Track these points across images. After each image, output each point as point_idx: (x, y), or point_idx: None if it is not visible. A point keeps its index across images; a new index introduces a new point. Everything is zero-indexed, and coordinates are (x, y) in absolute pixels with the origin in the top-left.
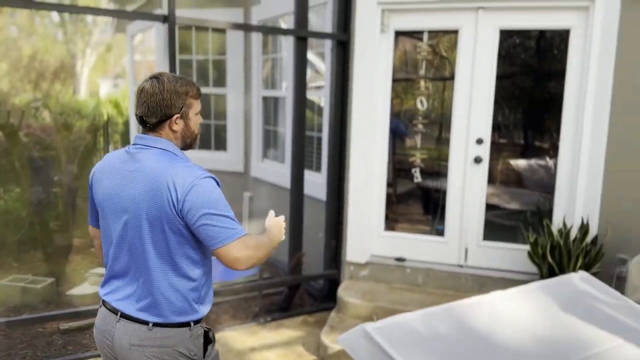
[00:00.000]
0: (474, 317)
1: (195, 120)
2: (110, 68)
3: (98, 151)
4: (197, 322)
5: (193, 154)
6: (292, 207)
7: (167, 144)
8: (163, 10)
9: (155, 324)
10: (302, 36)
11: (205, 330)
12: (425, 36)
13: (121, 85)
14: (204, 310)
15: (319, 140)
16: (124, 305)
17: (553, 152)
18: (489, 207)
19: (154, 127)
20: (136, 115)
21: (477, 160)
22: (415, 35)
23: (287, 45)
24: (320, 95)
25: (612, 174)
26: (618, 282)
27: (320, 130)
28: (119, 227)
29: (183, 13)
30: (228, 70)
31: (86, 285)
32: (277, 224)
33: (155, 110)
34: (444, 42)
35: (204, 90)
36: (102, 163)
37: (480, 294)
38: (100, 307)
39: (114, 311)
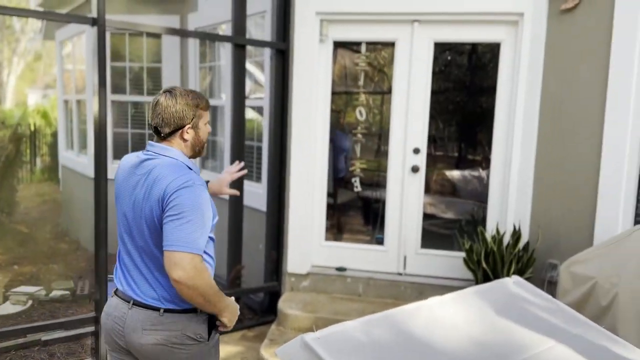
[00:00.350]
0: (413, 323)
1: (205, 130)
2: (39, 77)
3: (24, 163)
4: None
5: None
6: (231, 218)
7: (175, 152)
8: (93, 14)
9: (166, 310)
10: (240, 44)
11: (209, 316)
12: (364, 47)
13: (51, 95)
14: None
15: (259, 150)
16: (135, 294)
17: (486, 163)
18: (426, 216)
19: (167, 136)
20: (151, 125)
21: (415, 169)
22: (354, 47)
23: (225, 53)
24: (260, 104)
25: (541, 183)
26: (549, 286)
27: (260, 139)
28: (125, 225)
29: (115, 18)
30: (164, 78)
31: (8, 305)
32: (235, 310)
33: (169, 121)
34: (382, 54)
35: (137, 98)
36: (121, 163)
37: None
38: (112, 296)
39: (127, 299)
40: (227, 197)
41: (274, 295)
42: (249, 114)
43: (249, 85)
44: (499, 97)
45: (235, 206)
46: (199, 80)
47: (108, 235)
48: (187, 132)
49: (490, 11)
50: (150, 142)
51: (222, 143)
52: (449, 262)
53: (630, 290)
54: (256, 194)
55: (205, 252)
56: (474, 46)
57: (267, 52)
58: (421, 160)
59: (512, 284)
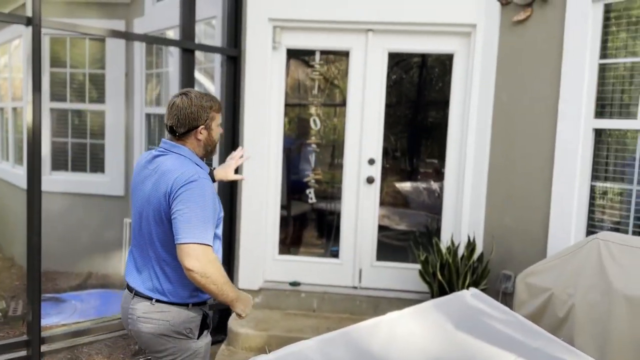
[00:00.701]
0: (371, 340)
1: (217, 131)
2: None
3: None
4: (196, 304)
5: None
6: None
7: (185, 150)
8: (28, 13)
9: (157, 300)
10: (188, 48)
11: (204, 314)
12: (318, 56)
13: None
14: (203, 295)
15: (208, 161)
16: (137, 284)
17: (440, 174)
18: (381, 228)
19: (182, 135)
20: (167, 125)
21: (370, 180)
22: (309, 55)
23: (173, 60)
24: None
25: (495, 194)
26: (504, 298)
27: None
28: (136, 219)
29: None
30: (107, 85)
31: None
32: (248, 300)
33: (184, 122)
34: (337, 64)
35: (78, 106)
36: (137, 160)
37: (375, 316)
38: (125, 289)
39: (131, 290)
40: None
41: (224, 313)
42: None
43: None
44: (452, 109)
45: None
46: (144, 87)
47: (42, 250)
48: (201, 133)
49: (443, 22)
50: (163, 139)
51: None
52: (404, 274)
53: (586, 301)
54: None
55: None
56: (429, 57)
57: (217, 59)
58: (376, 171)
59: (470, 296)
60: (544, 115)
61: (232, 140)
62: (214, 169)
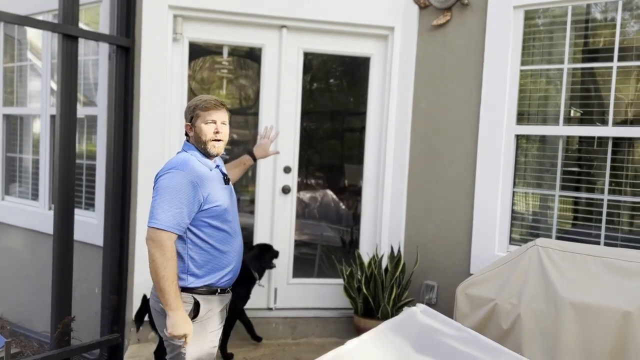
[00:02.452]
0: None
1: (204, 129)
2: None
3: None
4: (186, 289)
5: None
6: (57, 257)
7: (187, 145)
8: None
9: None
10: (71, 34)
11: (195, 302)
12: (226, 52)
13: None
14: (192, 280)
15: (91, 169)
16: None
17: (358, 183)
18: (297, 243)
19: (187, 135)
20: None
21: (285, 190)
22: (216, 51)
23: (47, 49)
24: (91, 112)
25: (415, 203)
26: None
27: (92, 157)
28: None
29: None
30: None
31: None
32: (180, 319)
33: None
34: (248, 62)
35: None
36: None
37: (293, 339)
38: None
39: None
40: (49, 231)
41: (115, 350)
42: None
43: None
44: (369, 114)
45: (62, 240)
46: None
47: None
48: (191, 130)
49: (359, 23)
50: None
51: (35, 162)
52: (322, 290)
53: (531, 310)
54: (89, 225)
55: (203, 239)
56: (347, 60)
57: (103, 50)
58: (292, 180)
59: (420, 313)
60: (465, 121)
61: (122, 146)
62: (251, 152)
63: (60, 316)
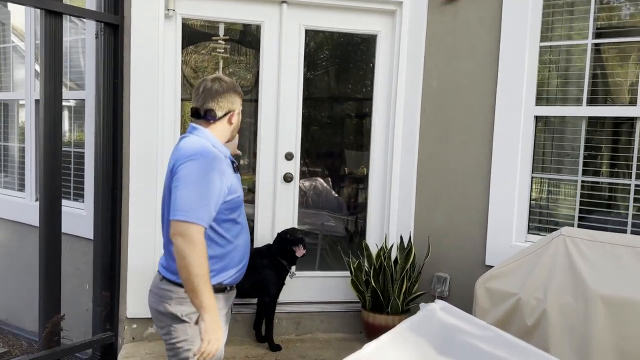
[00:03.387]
0: None
1: (239, 117)
2: None
3: None
4: None
5: None
6: (44, 251)
7: (204, 132)
8: None
9: (164, 277)
10: (55, 10)
11: None
12: (222, 30)
13: None
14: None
15: (79, 157)
16: (160, 262)
17: (365, 172)
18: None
19: (215, 120)
20: (198, 109)
21: (287, 178)
22: (212, 29)
23: (30, 29)
24: (78, 96)
25: (425, 190)
26: None
27: (79, 144)
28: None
29: None
30: None
31: None
32: (215, 320)
33: (223, 106)
34: (247, 39)
35: None
36: None
37: (297, 335)
38: None
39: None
40: (36, 223)
41: (109, 350)
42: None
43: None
44: (376, 96)
45: (49, 233)
46: None
47: None
48: (234, 117)
49: None
50: (191, 122)
51: (20, 151)
52: (327, 284)
53: (558, 305)
54: (78, 217)
55: (220, 233)
56: (352, 38)
57: (91, 27)
58: (294, 168)
59: (440, 310)
60: (480, 102)
61: (112, 133)
62: None
63: (48, 314)
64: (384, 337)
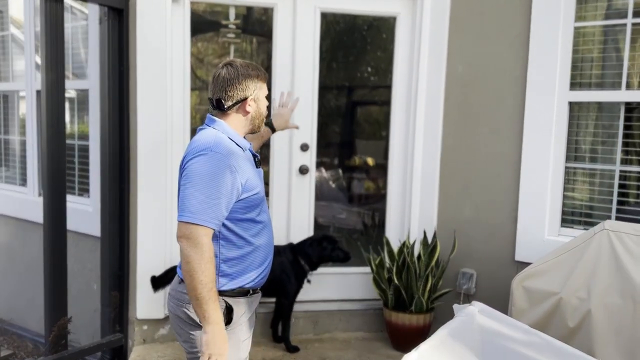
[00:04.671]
0: None
1: (264, 103)
2: None
3: None
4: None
5: None
6: (49, 249)
7: (220, 125)
8: None
9: (181, 279)
10: None
11: (227, 306)
12: (232, 14)
13: None
14: (225, 282)
15: (84, 150)
16: (178, 264)
17: (383, 161)
18: (316, 228)
19: (229, 109)
20: (211, 99)
21: (303, 170)
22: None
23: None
24: (82, 86)
25: (449, 182)
26: (467, 300)
27: (84, 137)
28: None
29: None
30: None
31: None
32: (219, 332)
33: (233, 94)
34: (259, 24)
35: None
36: None
37: (315, 335)
38: None
39: None
40: (39, 220)
41: (118, 353)
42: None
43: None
44: (395, 82)
45: (54, 231)
46: None
47: None
48: (249, 105)
49: None
50: (209, 113)
51: (21, 144)
52: (345, 280)
53: (604, 306)
54: (83, 214)
55: (237, 234)
56: (370, 21)
57: (94, 11)
58: (310, 160)
59: (479, 314)
60: (509, 87)
61: (119, 124)
62: (269, 121)
63: (54, 317)
64: (423, 346)
